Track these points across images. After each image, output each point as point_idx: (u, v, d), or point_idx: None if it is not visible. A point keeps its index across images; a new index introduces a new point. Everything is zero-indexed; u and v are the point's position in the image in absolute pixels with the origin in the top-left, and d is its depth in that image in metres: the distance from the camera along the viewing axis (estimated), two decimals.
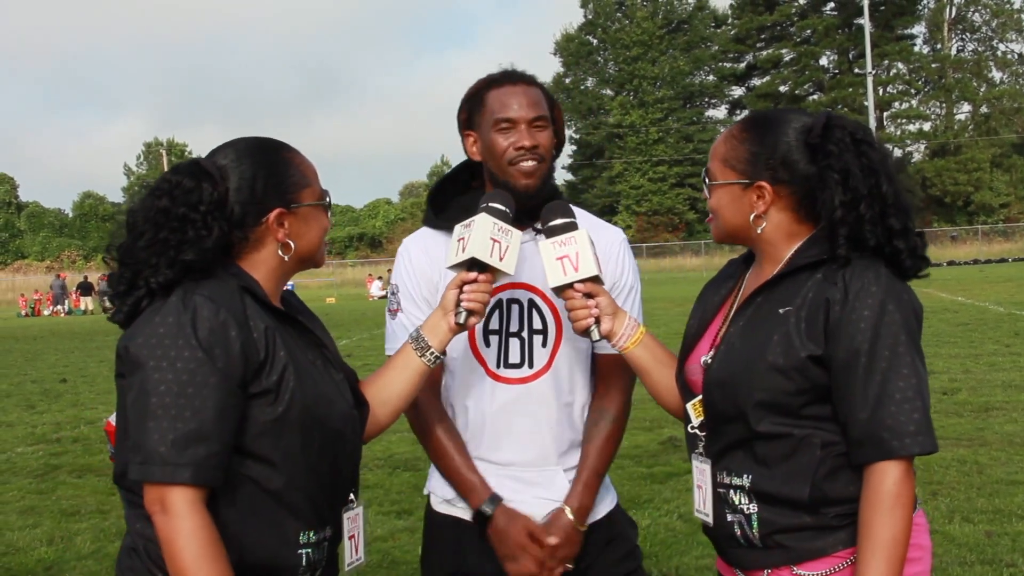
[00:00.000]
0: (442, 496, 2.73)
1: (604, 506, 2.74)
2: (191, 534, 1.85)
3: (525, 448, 2.65)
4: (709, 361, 2.25)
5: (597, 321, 2.36)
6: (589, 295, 2.36)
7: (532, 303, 2.67)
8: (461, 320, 2.32)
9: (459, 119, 2.74)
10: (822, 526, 2.10)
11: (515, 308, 2.67)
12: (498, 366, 2.65)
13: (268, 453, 1.98)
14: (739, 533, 2.19)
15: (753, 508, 2.16)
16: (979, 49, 68.34)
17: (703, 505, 2.28)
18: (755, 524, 2.16)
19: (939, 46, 67.60)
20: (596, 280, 2.37)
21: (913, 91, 67.54)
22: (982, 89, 66.29)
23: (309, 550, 2.06)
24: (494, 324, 2.66)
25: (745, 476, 2.16)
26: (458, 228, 2.41)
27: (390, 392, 2.35)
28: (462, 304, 2.33)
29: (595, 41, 70.98)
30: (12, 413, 12.51)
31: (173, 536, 1.84)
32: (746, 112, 60.81)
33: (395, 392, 2.35)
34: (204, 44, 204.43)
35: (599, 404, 2.70)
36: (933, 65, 66.16)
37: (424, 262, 2.69)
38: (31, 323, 38.45)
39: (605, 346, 2.57)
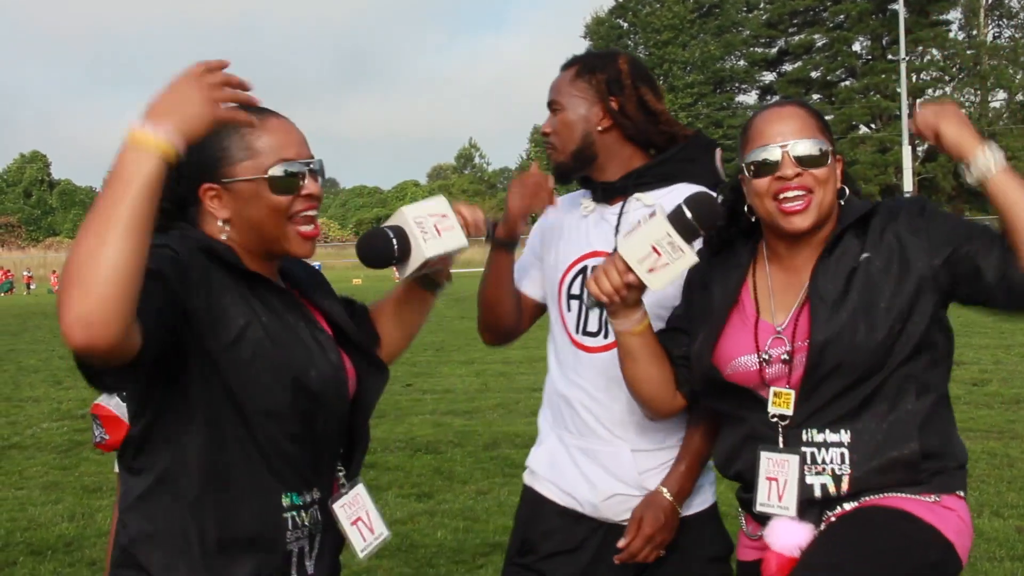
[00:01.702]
0: (528, 467, 2.81)
1: (700, 501, 2.66)
2: None
3: (596, 417, 2.64)
4: (786, 356, 2.17)
5: (608, 303, 2.20)
6: (629, 286, 2.18)
7: None
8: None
9: None
10: (913, 482, 2.11)
11: None
12: (577, 331, 2.69)
13: (238, 409, 1.88)
14: (819, 494, 2.14)
15: (846, 469, 2.12)
16: (1016, 35, 67.37)
17: (779, 499, 2.16)
18: (845, 484, 2.12)
19: (975, 32, 66.70)
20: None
21: (947, 78, 66.70)
22: (1018, 76, 65.36)
23: (294, 513, 1.97)
24: (576, 289, 2.70)
25: (843, 432, 2.12)
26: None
27: (403, 324, 2.38)
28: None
29: (625, 25, 70.56)
30: (39, 388, 12.61)
31: None
32: (777, 98, 60.43)
33: (407, 324, 2.39)
34: (239, 25, 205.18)
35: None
36: (968, 52, 65.29)
37: (549, 216, 2.85)
38: None
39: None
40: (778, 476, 2.16)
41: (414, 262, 2.11)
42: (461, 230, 2.15)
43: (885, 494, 2.10)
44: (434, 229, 2.10)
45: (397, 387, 11.85)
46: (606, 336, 2.62)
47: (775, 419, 2.18)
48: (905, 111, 50.36)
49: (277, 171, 1.95)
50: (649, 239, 2.09)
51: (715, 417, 2.44)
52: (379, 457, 8.02)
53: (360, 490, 2.14)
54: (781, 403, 2.17)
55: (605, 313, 2.38)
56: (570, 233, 2.77)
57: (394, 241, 2.08)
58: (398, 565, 5.48)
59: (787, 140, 2.16)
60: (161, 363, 1.77)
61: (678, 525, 2.55)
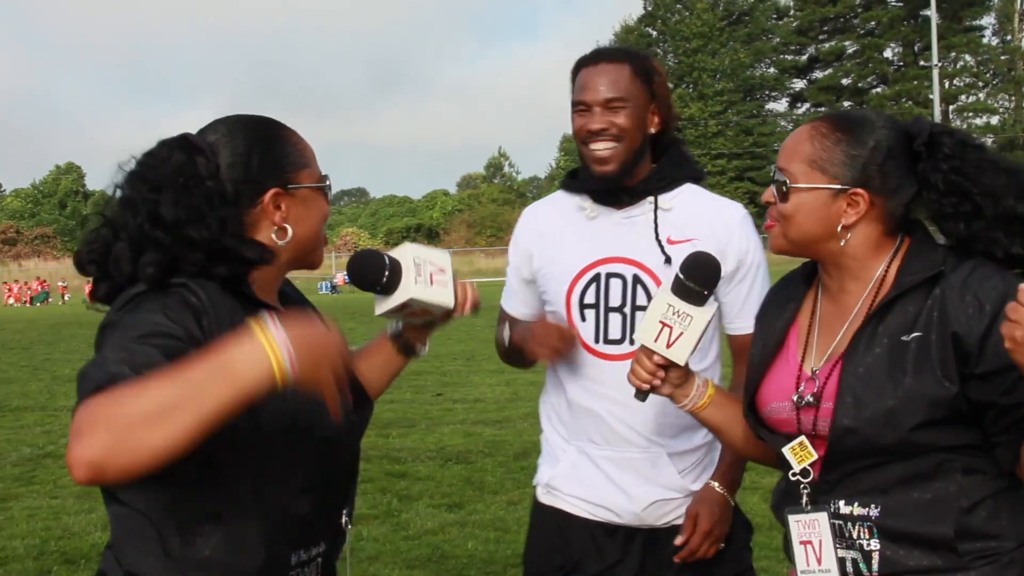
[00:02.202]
0: (543, 482, 2.72)
1: None
2: None
3: (625, 427, 2.60)
4: (811, 399, 2.00)
5: (652, 388, 2.14)
6: (663, 366, 2.11)
7: (637, 279, 2.61)
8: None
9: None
10: (954, 568, 1.89)
11: (615, 283, 2.62)
12: (596, 341, 2.62)
13: (253, 469, 1.77)
14: (851, 571, 1.96)
15: (875, 544, 1.93)
16: None
17: (818, 563, 1.99)
18: (876, 563, 1.94)
19: (1009, 37, 66.03)
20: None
21: (981, 84, 66.12)
22: None
23: (299, 570, 1.88)
24: (589, 298, 2.63)
25: (872, 507, 1.93)
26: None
27: (369, 384, 2.17)
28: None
29: (654, 33, 70.44)
30: (73, 398, 12.54)
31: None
32: (823, 109, 59.90)
33: (375, 384, 2.22)
34: (273, 35, 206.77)
35: (737, 382, 2.57)
36: (1002, 57, 64.68)
37: (533, 225, 2.80)
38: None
39: (735, 326, 2.62)
40: (811, 538, 2.00)
41: (397, 298, 2.04)
42: (452, 291, 2.07)
43: None
44: (428, 276, 2.04)
45: (428, 396, 11.87)
46: (631, 343, 2.56)
47: (796, 477, 2.02)
48: (938, 118, 49.95)
49: (325, 180, 1.99)
50: (656, 317, 2.08)
51: None
52: (410, 467, 8.03)
53: (348, 535, 2.05)
54: (803, 457, 2.01)
55: (628, 320, 2.56)
56: (576, 240, 2.67)
57: (387, 269, 2.02)
58: None
59: (777, 164, 2.06)
60: None
61: (732, 517, 2.58)
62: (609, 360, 2.60)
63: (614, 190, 2.63)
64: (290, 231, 1.90)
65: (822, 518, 1.97)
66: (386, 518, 6.61)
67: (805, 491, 2.01)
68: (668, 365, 2.10)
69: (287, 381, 1.50)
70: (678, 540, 2.53)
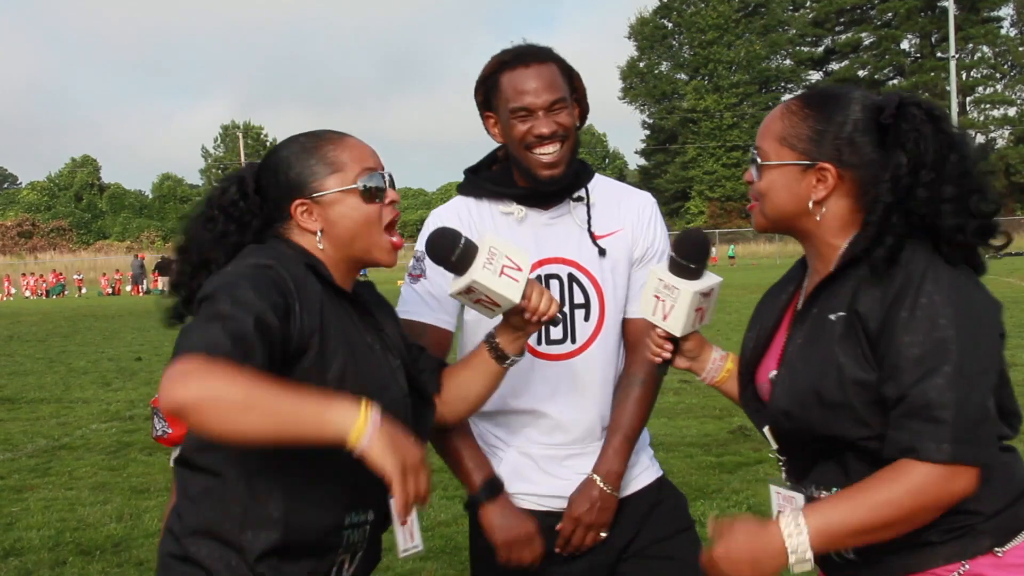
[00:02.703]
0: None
1: (645, 476, 2.69)
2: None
3: (571, 424, 2.60)
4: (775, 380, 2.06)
5: (667, 361, 2.28)
6: (671, 339, 2.25)
7: (572, 277, 2.60)
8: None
9: (476, 100, 2.66)
10: (923, 543, 1.89)
11: (554, 283, 2.60)
12: (539, 343, 2.59)
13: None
14: (835, 557, 2.01)
15: None
16: None
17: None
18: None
19: None
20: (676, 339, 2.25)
21: (998, 75, 65.74)
22: None
23: (350, 531, 2.08)
24: None
25: (835, 491, 1.96)
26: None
27: (468, 391, 2.34)
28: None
29: (670, 25, 70.30)
30: (88, 390, 12.77)
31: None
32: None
33: (473, 391, 2.34)
34: (286, 29, 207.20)
35: (628, 369, 2.65)
36: (1020, 48, 64.24)
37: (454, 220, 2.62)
38: (111, 302, 39.35)
39: (631, 310, 2.61)
40: (786, 511, 2.02)
41: (463, 280, 2.13)
42: (520, 290, 2.12)
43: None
44: (499, 267, 2.10)
45: None
46: (573, 341, 2.59)
47: (775, 454, 2.12)
48: (955, 110, 49.65)
49: (365, 181, 2.10)
50: (650, 291, 2.21)
51: (638, 394, 2.57)
52: None
53: None
54: (775, 438, 2.08)
55: (568, 318, 2.57)
56: None
57: (460, 246, 2.11)
58: (442, 567, 5.48)
59: (754, 150, 2.08)
60: None
61: (615, 506, 2.58)
62: (552, 360, 2.59)
63: (558, 192, 2.59)
64: (319, 234, 2.10)
65: (798, 498, 2.02)
66: None
67: (783, 468, 2.11)
68: (671, 338, 2.23)
69: (354, 449, 1.72)
70: (558, 526, 2.56)
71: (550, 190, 2.57)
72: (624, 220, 2.66)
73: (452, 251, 2.12)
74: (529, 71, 2.52)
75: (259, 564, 1.95)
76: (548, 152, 2.51)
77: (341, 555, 2.09)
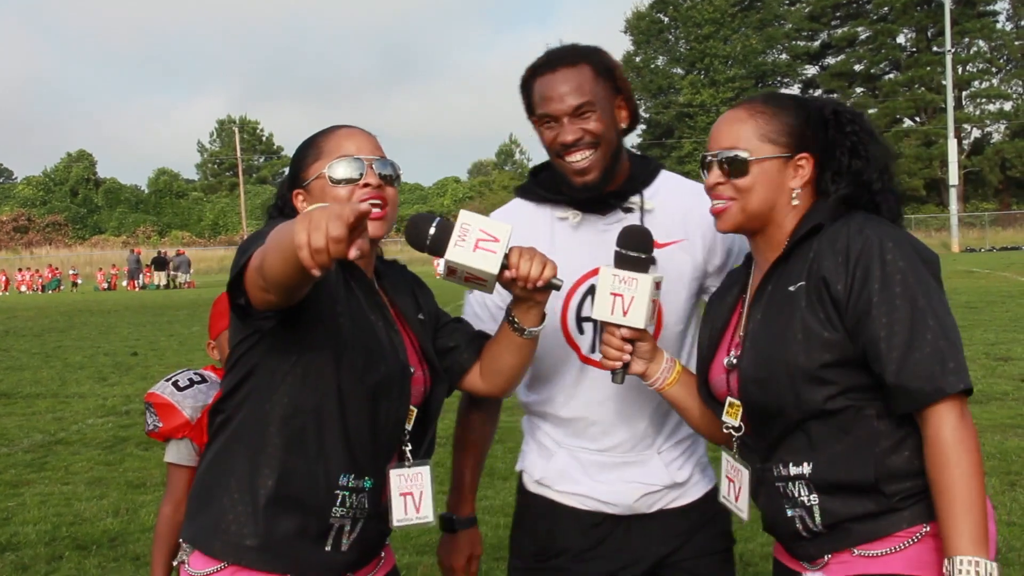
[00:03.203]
0: (534, 477, 2.70)
1: (701, 487, 2.68)
2: None
3: (620, 433, 2.59)
4: (734, 361, 2.19)
5: (625, 366, 2.30)
6: (628, 340, 2.28)
7: None
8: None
9: (524, 106, 2.60)
10: (887, 509, 2.03)
11: None
12: (592, 351, 2.57)
13: (316, 385, 2.11)
14: (800, 527, 2.13)
15: (815, 499, 2.09)
16: None
17: (735, 499, 2.30)
18: (817, 516, 2.09)
19: (1023, 22, 65.62)
20: (641, 332, 2.27)
21: (994, 69, 65.74)
22: None
23: (346, 493, 2.15)
24: (587, 311, 2.56)
25: (805, 464, 2.10)
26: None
27: (500, 364, 2.37)
28: None
29: (666, 19, 70.26)
30: (84, 385, 12.77)
31: None
32: (835, 95, 59.59)
33: (505, 364, 2.37)
34: (283, 24, 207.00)
35: None
36: (1016, 43, 64.25)
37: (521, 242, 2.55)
38: (106, 297, 39.30)
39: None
40: (734, 479, 2.28)
41: (441, 263, 2.14)
42: (497, 260, 2.07)
43: (860, 551, 2.06)
44: (473, 242, 2.07)
45: None
46: None
47: (729, 429, 2.24)
48: (951, 104, 49.69)
49: (335, 163, 2.19)
50: (606, 291, 2.23)
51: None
52: None
53: (423, 471, 2.28)
54: (732, 414, 2.21)
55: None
56: (566, 252, 2.51)
57: (432, 230, 2.10)
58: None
59: (716, 148, 2.19)
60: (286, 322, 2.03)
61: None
62: (603, 368, 2.57)
63: (598, 198, 2.54)
64: None
65: (744, 473, 2.24)
66: None
67: (736, 441, 2.25)
68: (633, 339, 2.26)
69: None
70: None
71: (585, 196, 2.52)
72: (691, 229, 2.57)
73: (424, 238, 2.11)
74: (555, 76, 2.45)
75: (265, 510, 2.10)
76: (577, 160, 2.45)
77: (339, 519, 2.16)
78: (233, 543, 2.11)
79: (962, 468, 1.91)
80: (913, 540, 2.02)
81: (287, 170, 2.37)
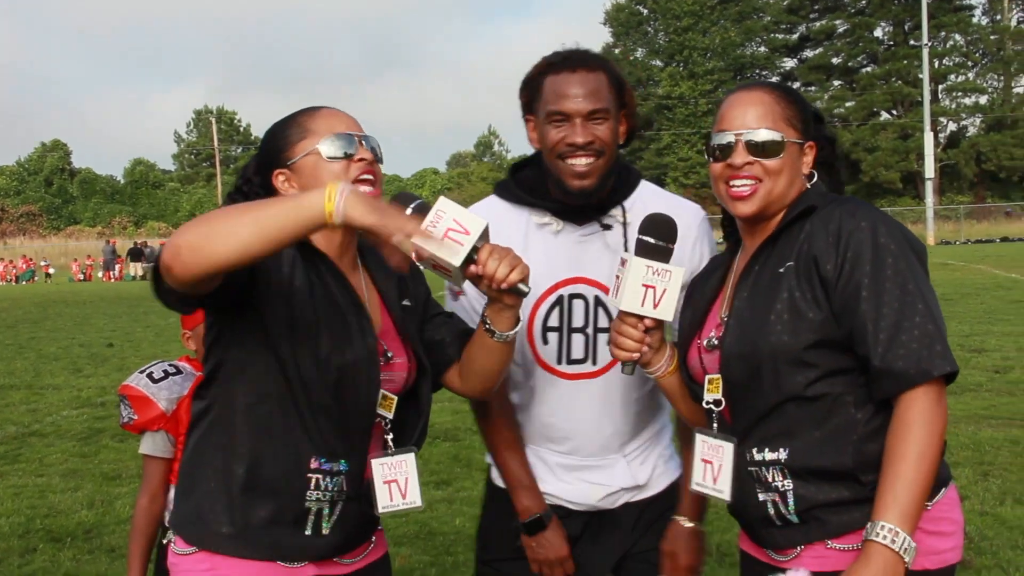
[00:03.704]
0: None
1: (665, 479, 2.69)
2: None
3: (587, 440, 2.59)
4: (715, 342, 2.19)
5: (639, 356, 2.24)
6: (647, 329, 2.22)
7: (599, 300, 2.55)
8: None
9: (521, 102, 2.57)
10: (862, 498, 2.02)
11: (578, 304, 2.55)
12: (559, 362, 2.56)
13: (282, 370, 2.11)
14: (773, 513, 2.12)
15: (789, 484, 2.09)
16: None
17: (713, 481, 2.21)
18: (791, 502, 2.09)
19: (998, 17, 66.05)
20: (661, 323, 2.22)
21: (970, 63, 66.12)
22: None
23: (320, 475, 2.15)
24: (553, 321, 2.55)
25: (781, 450, 2.09)
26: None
27: (475, 365, 2.32)
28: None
29: (645, 11, 70.25)
30: (59, 376, 12.68)
31: None
32: (813, 89, 59.67)
33: (480, 365, 2.31)
34: (264, 13, 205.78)
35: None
36: (992, 37, 64.65)
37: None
38: (82, 288, 39.00)
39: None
40: (712, 459, 2.21)
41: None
42: (463, 253, 1.99)
43: (829, 544, 2.06)
44: (443, 229, 2.00)
45: None
46: (595, 363, 2.56)
47: (709, 405, 2.21)
48: (928, 97, 49.96)
49: (329, 140, 2.18)
50: (638, 282, 2.14)
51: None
52: None
53: (408, 458, 2.26)
54: (713, 389, 2.19)
55: (591, 340, 2.54)
56: (541, 259, 2.51)
57: (408, 210, 2.05)
58: (416, 552, 5.49)
59: (743, 128, 2.15)
60: (226, 312, 2.09)
61: (704, 545, 2.62)
62: (571, 379, 2.57)
63: (585, 206, 2.51)
64: None
65: (727, 447, 2.18)
66: None
67: (716, 417, 2.21)
68: (651, 328, 2.20)
69: (334, 218, 1.81)
70: None
71: (578, 203, 2.48)
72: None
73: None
74: (575, 76, 2.43)
75: (240, 498, 2.12)
76: (581, 164, 2.42)
77: (315, 502, 2.16)
78: (210, 531, 2.13)
79: (919, 448, 1.93)
80: None
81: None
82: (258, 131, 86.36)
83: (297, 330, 2.10)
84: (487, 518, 2.79)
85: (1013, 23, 65.78)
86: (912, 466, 1.92)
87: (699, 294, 2.32)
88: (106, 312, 23.61)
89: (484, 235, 2.04)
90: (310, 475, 2.14)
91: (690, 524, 2.58)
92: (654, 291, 2.13)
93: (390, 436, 2.26)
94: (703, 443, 2.23)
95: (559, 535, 2.59)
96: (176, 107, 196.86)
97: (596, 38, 69.44)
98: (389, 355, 2.25)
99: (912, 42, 63.51)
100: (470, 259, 2.01)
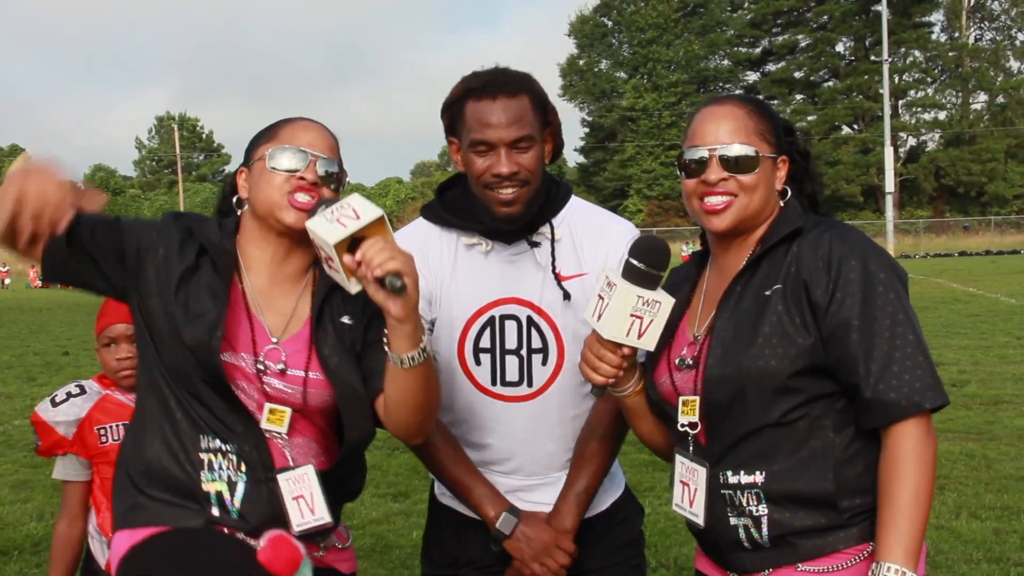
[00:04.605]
0: (443, 489, 2.65)
1: (608, 496, 2.66)
2: None
3: (528, 460, 2.56)
4: (688, 361, 2.12)
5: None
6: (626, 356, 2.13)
7: (531, 320, 2.50)
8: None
9: (443, 123, 2.51)
10: (838, 524, 2.01)
11: (511, 324, 2.50)
12: (493, 383, 2.51)
13: (159, 358, 2.18)
14: (744, 536, 2.08)
15: (764, 510, 2.04)
16: (997, 38, 67.85)
17: (690, 504, 2.15)
18: (765, 527, 2.05)
19: (957, 34, 67.03)
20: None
21: (929, 79, 67.05)
22: (999, 79, 65.74)
23: (210, 455, 2.16)
24: (485, 342, 2.50)
25: (758, 473, 2.04)
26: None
27: (390, 396, 2.16)
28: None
29: (610, 23, 70.62)
30: (12, 385, 12.47)
31: None
32: (775, 103, 60.35)
33: (393, 397, 2.15)
34: (229, 19, 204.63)
35: (589, 422, 2.56)
36: (950, 54, 65.63)
37: (422, 267, 2.28)
38: (38, 295, 38.48)
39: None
40: (689, 482, 2.15)
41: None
42: (343, 232, 1.94)
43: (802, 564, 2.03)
44: (337, 216, 1.97)
45: None
46: (530, 384, 2.51)
47: (684, 428, 2.13)
48: (888, 112, 50.59)
49: (279, 150, 2.19)
50: (626, 310, 2.03)
51: (593, 449, 2.52)
52: None
53: (308, 472, 2.19)
54: (688, 411, 2.12)
55: (525, 363, 2.49)
56: (470, 280, 2.49)
57: (321, 205, 2.07)
58: (372, 566, 5.42)
59: (716, 144, 2.09)
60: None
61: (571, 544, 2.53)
62: (507, 401, 2.52)
63: (513, 230, 2.46)
64: (247, 200, 2.28)
65: (701, 471, 2.11)
66: None
67: (692, 440, 2.14)
68: (628, 355, 2.11)
69: None
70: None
71: (506, 228, 2.45)
72: (595, 262, 2.50)
73: (314, 212, 2.04)
74: (496, 104, 2.36)
75: (148, 487, 2.18)
76: (506, 192, 2.38)
77: (210, 483, 2.15)
78: (121, 510, 2.21)
79: (915, 484, 1.91)
80: (858, 559, 2.01)
81: (227, 168, 2.37)
82: (220, 138, 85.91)
83: (157, 324, 2.16)
84: (430, 532, 2.75)
85: (971, 41, 66.81)
86: (911, 502, 1.90)
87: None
88: (63, 320, 23.30)
89: (380, 226, 1.97)
90: (203, 455, 2.15)
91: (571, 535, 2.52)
92: (640, 321, 2.03)
93: (288, 451, 2.18)
94: (681, 464, 2.17)
95: (537, 524, 2.50)
96: (138, 113, 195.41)
97: (561, 49, 69.69)
98: (281, 366, 2.17)
99: (873, 57, 64.31)
100: (354, 244, 1.96)
